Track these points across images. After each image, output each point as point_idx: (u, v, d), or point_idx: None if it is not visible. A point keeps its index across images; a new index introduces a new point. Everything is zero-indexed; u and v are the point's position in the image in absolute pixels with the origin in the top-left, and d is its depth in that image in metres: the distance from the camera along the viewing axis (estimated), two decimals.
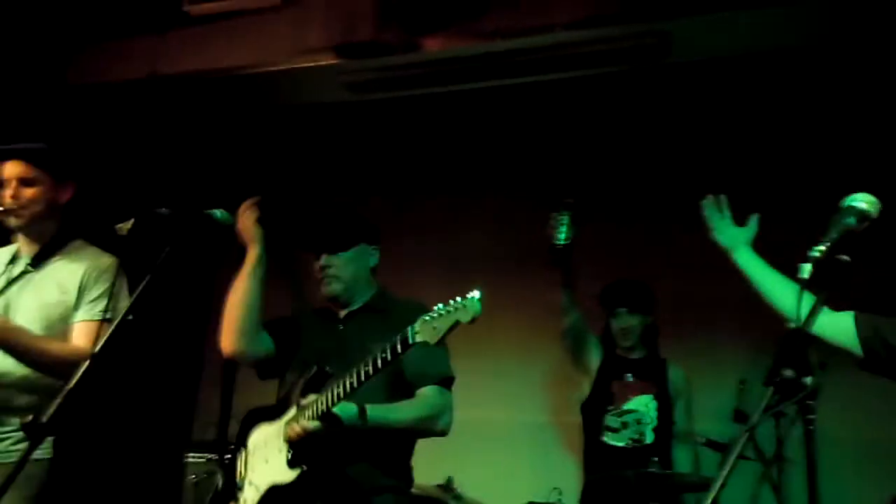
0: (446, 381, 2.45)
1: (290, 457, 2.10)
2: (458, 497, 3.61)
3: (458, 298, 1.89)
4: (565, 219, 3.53)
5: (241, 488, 2.22)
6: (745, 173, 4.44)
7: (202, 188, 4.20)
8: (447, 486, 3.77)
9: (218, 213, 2.02)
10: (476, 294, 1.87)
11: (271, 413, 2.31)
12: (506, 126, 4.87)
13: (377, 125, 5.00)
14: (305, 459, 2.09)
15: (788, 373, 1.37)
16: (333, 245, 2.45)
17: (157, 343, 2.47)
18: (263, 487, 2.15)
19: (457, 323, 1.87)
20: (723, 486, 1.29)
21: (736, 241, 2.38)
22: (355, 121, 4.98)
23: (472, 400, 4.48)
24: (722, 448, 3.40)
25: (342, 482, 2.21)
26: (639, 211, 4.68)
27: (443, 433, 2.43)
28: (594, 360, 3.84)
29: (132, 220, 1.85)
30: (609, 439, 3.68)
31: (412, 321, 2.03)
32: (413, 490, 3.72)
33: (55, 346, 2.51)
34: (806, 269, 1.43)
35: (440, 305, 1.89)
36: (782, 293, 2.13)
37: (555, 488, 3.51)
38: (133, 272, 1.87)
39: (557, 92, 4.50)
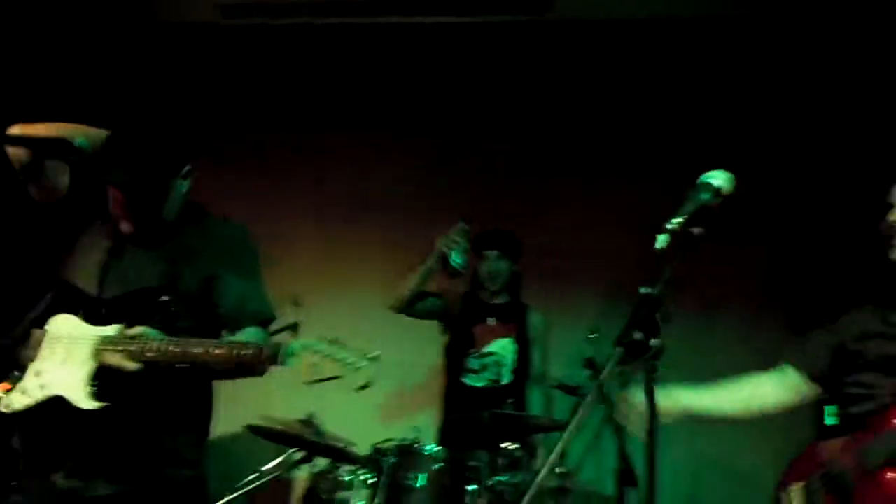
0: (266, 323, 2.29)
1: (93, 386, 1.94)
2: (319, 433, 3.64)
3: (355, 358, 1.77)
4: (462, 243, 3.71)
5: (21, 371, 2.00)
6: (619, 133, 4.62)
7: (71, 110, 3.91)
8: (308, 422, 3.80)
9: (78, 140, 1.91)
10: (374, 360, 1.74)
11: (85, 305, 2.08)
12: (399, 65, 4.82)
13: (266, 55, 4.84)
14: (110, 396, 1.93)
15: (638, 335, 1.47)
16: None
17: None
18: (50, 391, 1.95)
19: (335, 378, 1.79)
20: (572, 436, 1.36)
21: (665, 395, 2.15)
22: (240, 49, 4.79)
23: (333, 334, 4.55)
24: (572, 391, 3.60)
25: (142, 427, 2.06)
26: (507, 159, 4.80)
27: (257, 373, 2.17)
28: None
29: None
30: (469, 380, 3.84)
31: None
32: (274, 425, 3.77)
33: None
34: (662, 240, 1.52)
35: (341, 352, 1.79)
36: (746, 395, 2.29)
37: (413, 426, 3.60)
38: None
39: (442, 35, 4.51)
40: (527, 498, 1.36)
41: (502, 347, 3.89)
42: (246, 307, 2.05)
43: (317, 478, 3.63)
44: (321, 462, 3.71)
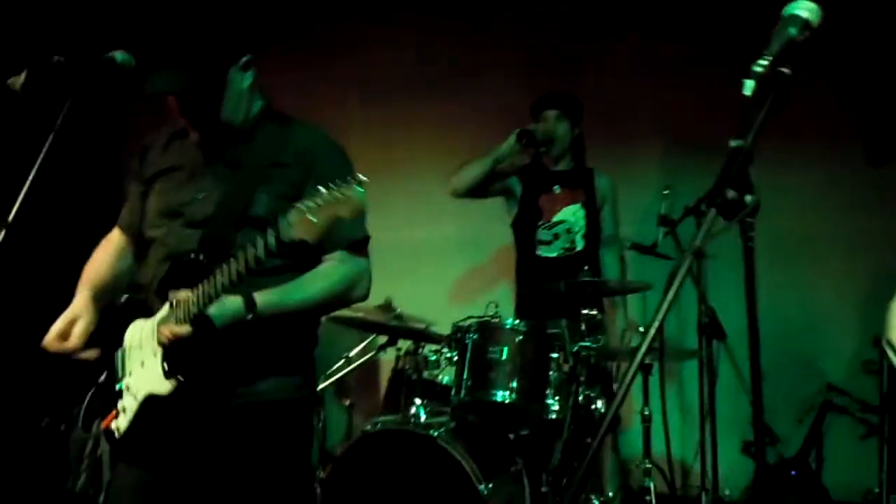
0: (358, 245, 2.02)
1: (165, 366, 1.84)
2: (398, 316, 3.69)
3: (337, 182, 1.58)
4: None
5: (120, 394, 1.96)
6: None
7: (94, 29, 3.80)
8: (387, 307, 3.86)
9: (118, 55, 1.84)
10: (360, 184, 1.57)
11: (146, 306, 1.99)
12: None
13: None
14: (181, 369, 1.83)
15: (731, 193, 1.37)
16: None
17: (64, 206, 2.22)
18: (141, 396, 1.90)
19: (336, 219, 1.58)
20: (671, 305, 1.30)
21: None
22: None
23: (398, 221, 4.56)
24: (647, 250, 3.52)
25: (225, 396, 1.94)
26: (560, 20, 4.55)
27: (360, 300, 2.06)
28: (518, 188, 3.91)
29: (24, 73, 1.66)
30: (542, 252, 3.79)
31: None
32: (355, 313, 3.83)
33: None
34: (749, 86, 1.39)
35: (320, 191, 1.57)
36: None
37: (491, 302, 3.61)
38: (32, 131, 1.68)
39: None
40: (632, 368, 1.32)
41: (572, 214, 3.81)
42: (335, 230, 1.66)
43: (402, 359, 3.71)
44: (405, 344, 3.78)
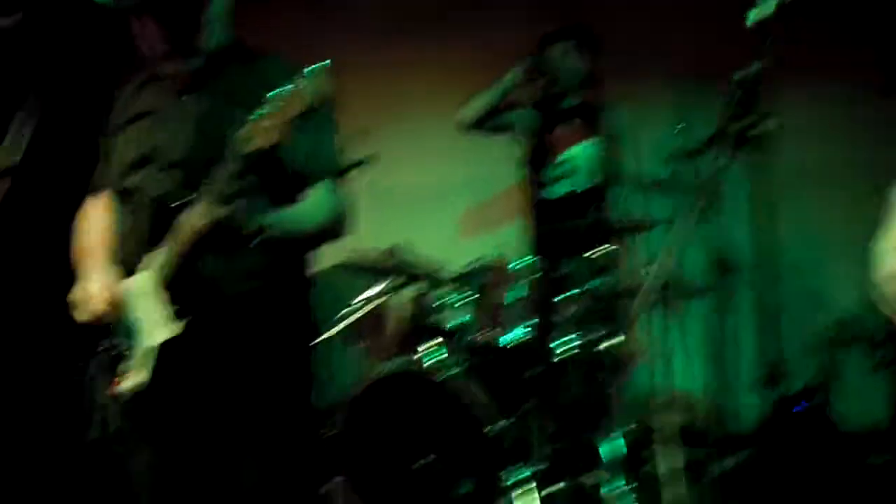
0: (340, 174, 2.00)
1: (174, 309, 1.84)
2: (407, 261, 3.69)
3: (299, 82, 1.51)
4: None
5: (130, 350, 1.95)
6: None
7: None
8: (396, 251, 3.85)
9: None
10: (308, 75, 1.51)
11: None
12: None
13: None
14: (189, 308, 1.84)
15: (743, 122, 1.34)
16: None
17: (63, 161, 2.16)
18: (156, 344, 1.89)
19: (294, 116, 1.52)
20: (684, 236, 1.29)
21: None
22: None
23: (402, 165, 4.52)
24: (662, 185, 3.48)
25: (231, 328, 1.93)
26: None
27: (344, 235, 2.02)
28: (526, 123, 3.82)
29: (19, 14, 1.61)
30: (546, 193, 3.75)
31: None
32: (358, 260, 3.83)
33: None
34: (753, 14, 1.35)
35: (267, 98, 1.52)
36: None
37: (499, 243, 3.61)
38: (22, 76, 1.64)
39: None
40: (640, 298, 1.31)
41: (579, 152, 3.74)
42: (315, 163, 1.68)
43: (413, 303, 3.71)
44: (415, 288, 3.78)
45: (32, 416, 3.65)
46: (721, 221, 3.35)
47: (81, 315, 1.95)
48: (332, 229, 1.93)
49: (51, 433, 3.47)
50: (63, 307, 2.02)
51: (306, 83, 1.48)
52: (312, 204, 1.90)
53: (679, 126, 3.35)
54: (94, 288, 1.94)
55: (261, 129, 1.53)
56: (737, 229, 3.09)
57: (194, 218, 1.62)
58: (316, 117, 1.65)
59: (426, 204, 4.55)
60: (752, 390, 3.66)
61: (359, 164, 3.91)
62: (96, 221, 2.12)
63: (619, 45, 4.18)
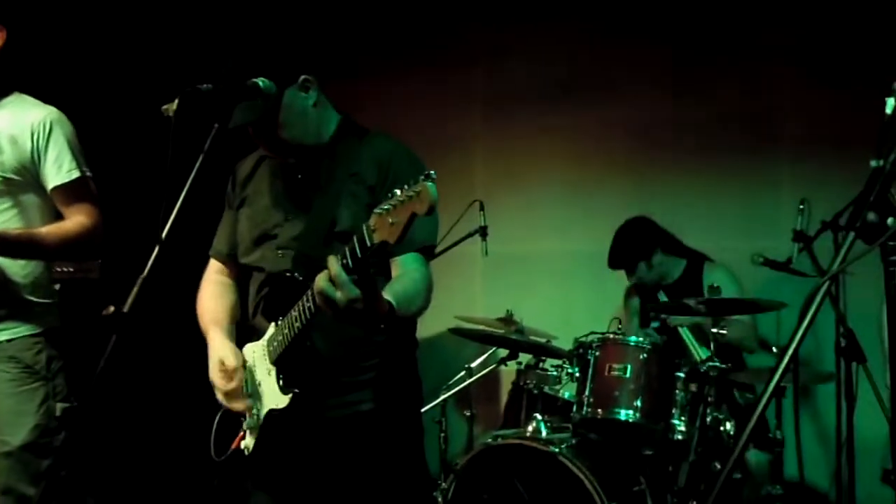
0: (429, 250, 2.05)
1: (281, 381, 1.94)
2: (520, 330, 3.71)
3: (411, 183, 1.59)
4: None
5: (243, 415, 2.07)
6: None
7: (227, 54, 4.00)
8: (508, 319, 3.88)
9: (261, 81, 1.94)
10: (429, 180, 1.56)
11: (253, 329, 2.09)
12: None
13: None
14: (296, 383, 1.92)
15: (871, 216, 1.32)
16: None
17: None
18: (262, 414, 1.99)
19: (413, 216, 1.57)
20: (802, 338, 1.26)
21: None
22: None
23: (521, 233, 4.57)
24: (781, 266, 3.38)
25: (334, 407, 2.02)
26: (695, 28, 4.44)
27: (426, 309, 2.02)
28: None
29: (177, 100, 1.79)
30: None
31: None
32: (476, 325, 3.88)
33: (61, 232, 2.45)
34: (891, 104, 1.34)
35: (395, 192, 1.59)
36: None
37: (614, 318, 3.58)
38: (183, 155, 1.80)
39: None
40: (768, 391, 1.28)
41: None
42: (411, 236, 1.66)
43: (523, 373, 3.71)
44: (525, 358, 3.79)
45: (162, 466, 3.84)
46: (848, 306, 3.21)
47: (219, 394, 2.07)
48: (428, 303, 1.99)
49: (178, 483, 3.63)
50: (189, 362, 2.16)
51: (430, 186, 1.58)
52: (419, 280, 1.95)
53: (801, 206, 3.25)
54: (227, 362, 2.05)
55: (386, 223, 1.62)
56: (864, 315, 2.97)
57: (334, 269, 1.71)
58: None
59: (543, 273, 4.57)
60: (881, 483, 3.46)
61: (478, 231, 4.00)
62: (218, 292, 2.26)
63: (744, 118, 4.17)
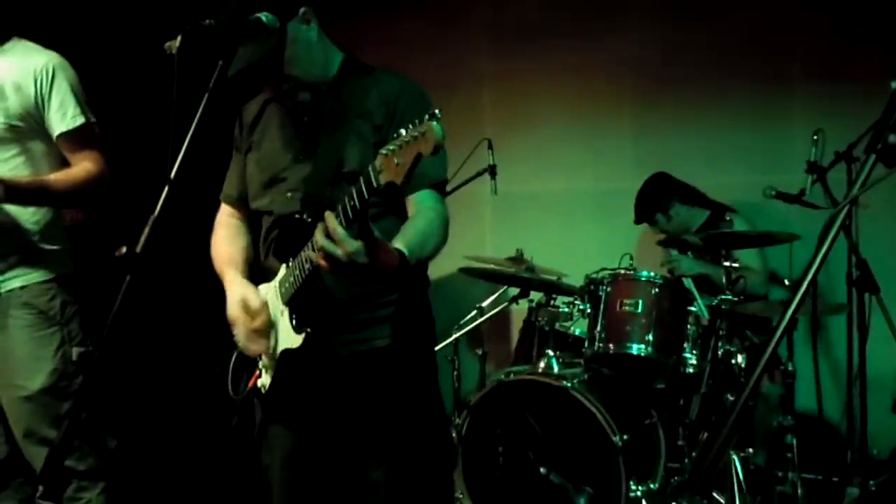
0: (440, 186, 2.03)
1: (294, 321, 1.94)
2: (530, 268, 3.70)
3: (416, 123, 1.56)
4: None
5: (259, 354, 2.07)
6: None
7: None
8: (519, 258, 3.88)
9: (265, 16, 1.89)
10: (434, 118, 1.54)
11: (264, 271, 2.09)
12: None
13: None
14: (308, 322, 1.92)
15: (893, 138, 1.29)
16: None
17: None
18: (277, 353, 2.00)
19: (419, 156, 1.56)
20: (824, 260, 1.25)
21: None
22: None
23: (528, 173, 4.54)
24: (793, 199, 3.35)
25: (349, 344, 2.03)
26: None
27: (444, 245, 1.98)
28: None
29: (180, 37, 1.75)
30: None
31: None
32: (487, 265, 3.88)
33: (69, 179, 2.44)
34: None
35: (401, 133, 1.57)
36: None
37: (626, 254, 3.56)
38: (187, 93, 1.77)
39: None
40: (783, 323, 1.27)
41: None
42: (421, 170, 1.63)
43: (534, 310, 3.73)
44: (536, 295, 3.79)
45: (179, 406, 3.90)
46: (862, 237, 3.19)
47: (238, 335, 2.06)
48: (445, 240, 1.97)
49: (195, 421, 3.69)
50: (203, 305, 2.16)
51: (435, 126, 1.55)
52: (433, 219, 1.94)
53: (815, 137, 3.19)
54: (251, 301, 2.03)
55: (392, 164, 1.60)
56: (878, 245, 2.95)
57: (331, 224, 1.69)
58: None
59: (552, 212, 4.55)
60: (891, 413, 3.49)
61: (487, 170, 3.97)
62: (231, 234, 2.25)
63: (755, 50, 4.09)
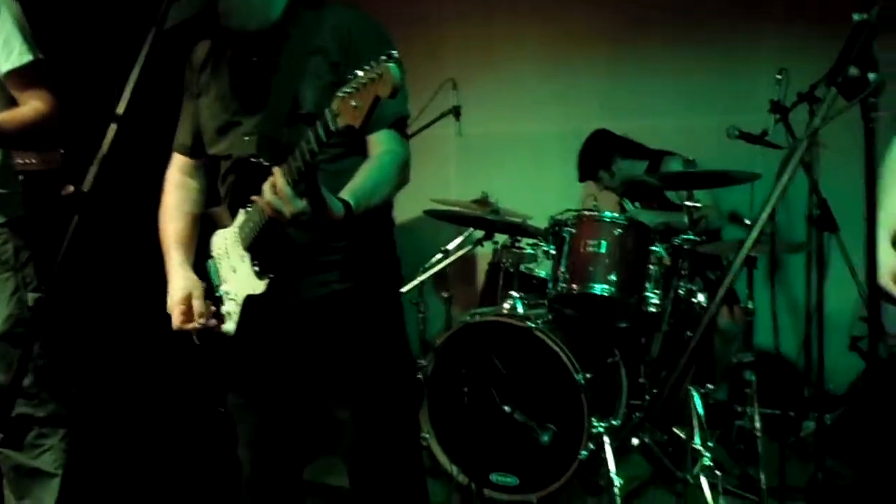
0: (401, 123, 1.98)
1: (256, 267, 1.92)
2: (495, 210, 3.69)
3: (373, 64, 1.53)
4: None
5: (221, 300, 2.03)
6: None
7: None
8: (484, 201, 3.86)
9: None
10: (391, 60, 1.51)
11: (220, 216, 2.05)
12: None
13: None
14: (271, 268, 1.91)
15: (853, 71, 1.28)
16: None
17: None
18: (241, 299, 1.97)
19: (377, 99, 1.54)
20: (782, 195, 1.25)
21: None
22: None
23: (495, 114, 4.50)
24: (756, 139, 3.36)
25: (313, 282, 2.00)
26: None
27: (405, 185, 1.98)
28: None
29: None
30: None
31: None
32: (452, 207, 3.86)
33: (18, 119, 2.35)
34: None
35: (357, 74, 1.54)
36: None
37: (590, 194, 3.57)
38: (138, 30, 1.70)
39: None
40: (743, 252, 1.28)
41: None
42: (381, 113, 1.63)
43: (499, 252, 3.73)
44: (501, 238, 3.79)
45: (140, 350, 3.86)
46: (822, 176, 3.21)
47: (175, 322, 2.04)
48: (403, 181, 1.95)
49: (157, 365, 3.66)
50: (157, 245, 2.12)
51: (392, 68, 1.51)
52: (387, 164, 1.91)
53: (778, 76, 3.19)
54: (194, 302, 2.02)
55: (349, 106, 1.57)
56: (838, 185, 2.98)
57: (279, 182, 1.68)
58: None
59: (517, 154, 4.53)
60: (848, 351, 3.57)
61: (451, 111, 3.92)
62: (179, 204, 2.16)
63: None
